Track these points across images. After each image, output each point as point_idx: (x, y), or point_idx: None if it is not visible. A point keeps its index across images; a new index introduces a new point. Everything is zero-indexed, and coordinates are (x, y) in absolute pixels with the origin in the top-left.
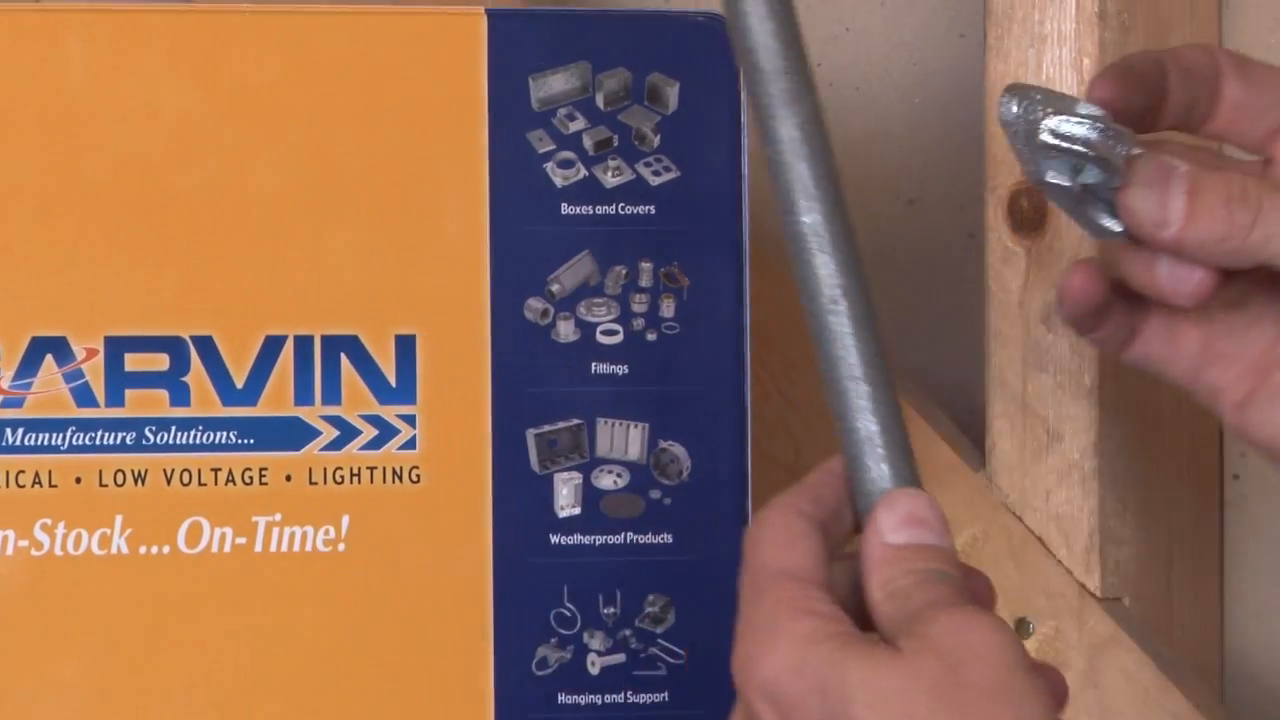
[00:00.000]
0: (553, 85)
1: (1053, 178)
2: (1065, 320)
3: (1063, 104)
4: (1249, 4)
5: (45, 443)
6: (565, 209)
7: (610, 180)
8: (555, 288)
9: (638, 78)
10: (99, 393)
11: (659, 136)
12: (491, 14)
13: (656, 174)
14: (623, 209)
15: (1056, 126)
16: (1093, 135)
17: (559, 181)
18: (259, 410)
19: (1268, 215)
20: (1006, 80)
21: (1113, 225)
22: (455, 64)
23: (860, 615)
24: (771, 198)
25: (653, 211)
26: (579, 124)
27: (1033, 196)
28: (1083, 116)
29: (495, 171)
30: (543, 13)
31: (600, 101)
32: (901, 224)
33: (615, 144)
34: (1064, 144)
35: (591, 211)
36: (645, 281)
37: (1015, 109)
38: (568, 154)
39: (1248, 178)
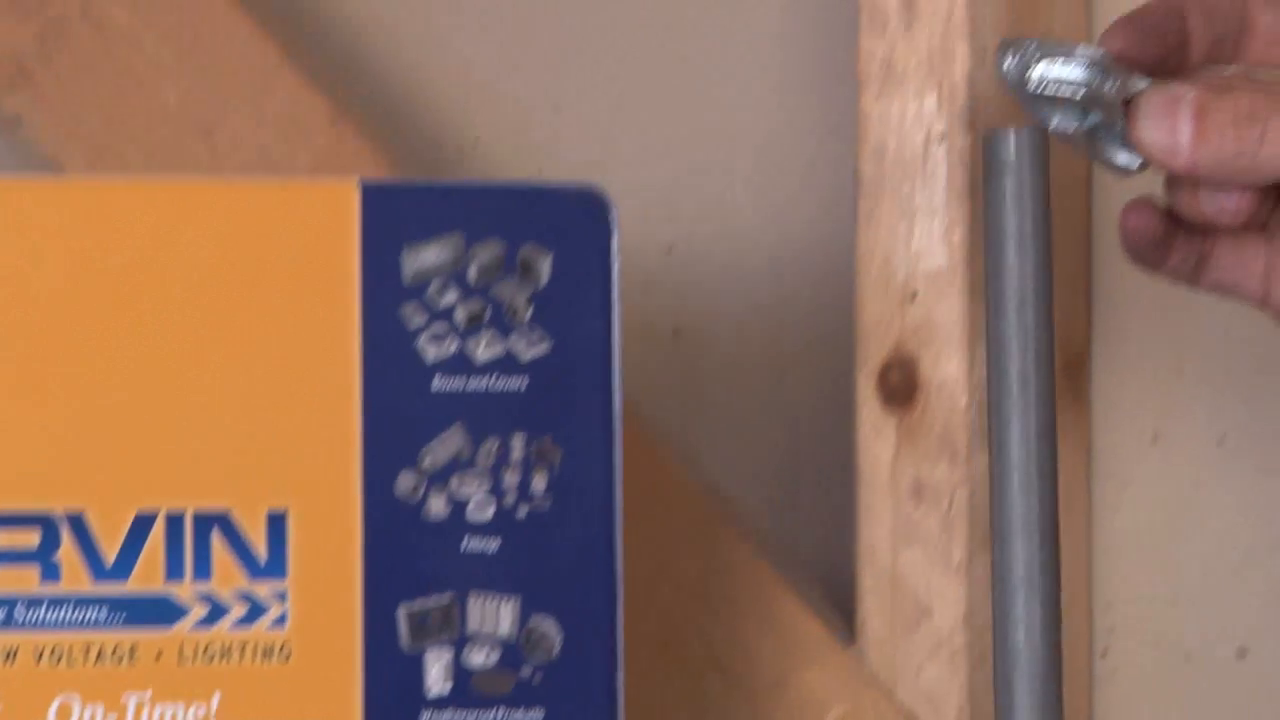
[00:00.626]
0: (426, 258)
1: (1058, 125)
2: (1130, 258)
3: (1058, 50)
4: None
5: None
6: (437, 383)
7: (482, 354)
8: (427, 462)
9: (511, 250)
10: None
11: (531, 309)
12: (365, 186)
13: (529, 347)
14: (495, 382)
15: (1044, 72)
16: (1080, 75)
17: (431, 355)
18: (129, 587)
19: (1275, 130)
20: (878, 252)
21: (1129, 161)
22: (328, 236)
23: None
24: (640, 372)
25: (525, 385)
26: (452, 296)
27: (903, 368)
28: (1077, 58)
29: (367, 344)
30: (416, 185)
31: (473, 274)
32: (774, 398)
33: (488, 317)
34: (1054, 90)
35: (464, 386)
36: (517, 455)
37: (1009, 60)
38: (440, 327)
39: (1257, 94)
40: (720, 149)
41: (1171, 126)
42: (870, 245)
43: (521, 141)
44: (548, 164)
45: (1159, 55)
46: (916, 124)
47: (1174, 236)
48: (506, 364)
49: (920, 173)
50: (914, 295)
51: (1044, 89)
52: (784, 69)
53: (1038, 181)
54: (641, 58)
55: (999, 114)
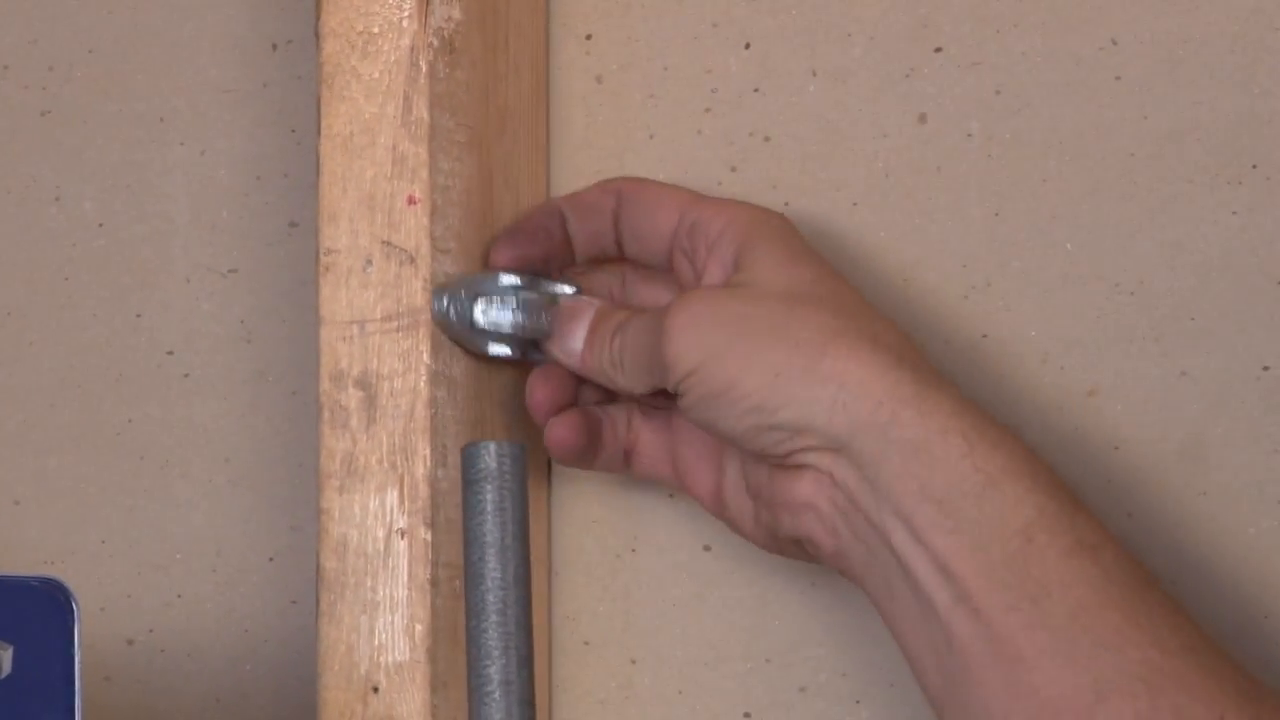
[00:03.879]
0: None
1: (496, 351)
2: (561, 462)
3: (484, 285)
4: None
5: None
6: None
7: None
8: None
9: None
10: None
11: None
12: None
13: None
14: None
15: (484, 314)
16: (518, 317)
17: None
18: None
19: (627, 344)
20: (340, 646)
21: (502, 350)
22: None
23: None
24: None
25: None
26: None
27: None
28: (505, 290)
29: None
30: None
31: None
32: None
33: None
34: (495, 327)
35: None
36: None
37: (444, 304)
38: None
39: (637, 312)
40: (179, 544)
41: (572, 332)
42: (332, 638)
43: None
44: (7, 557)
45: (543, 256)
46: (378, 519)
47: (597, 442)
48: None
49: (382, 567)
50: (376, 688)
51: (488, 328)
52: (245, 463)
53: (519, 492)
54: (104, 451)
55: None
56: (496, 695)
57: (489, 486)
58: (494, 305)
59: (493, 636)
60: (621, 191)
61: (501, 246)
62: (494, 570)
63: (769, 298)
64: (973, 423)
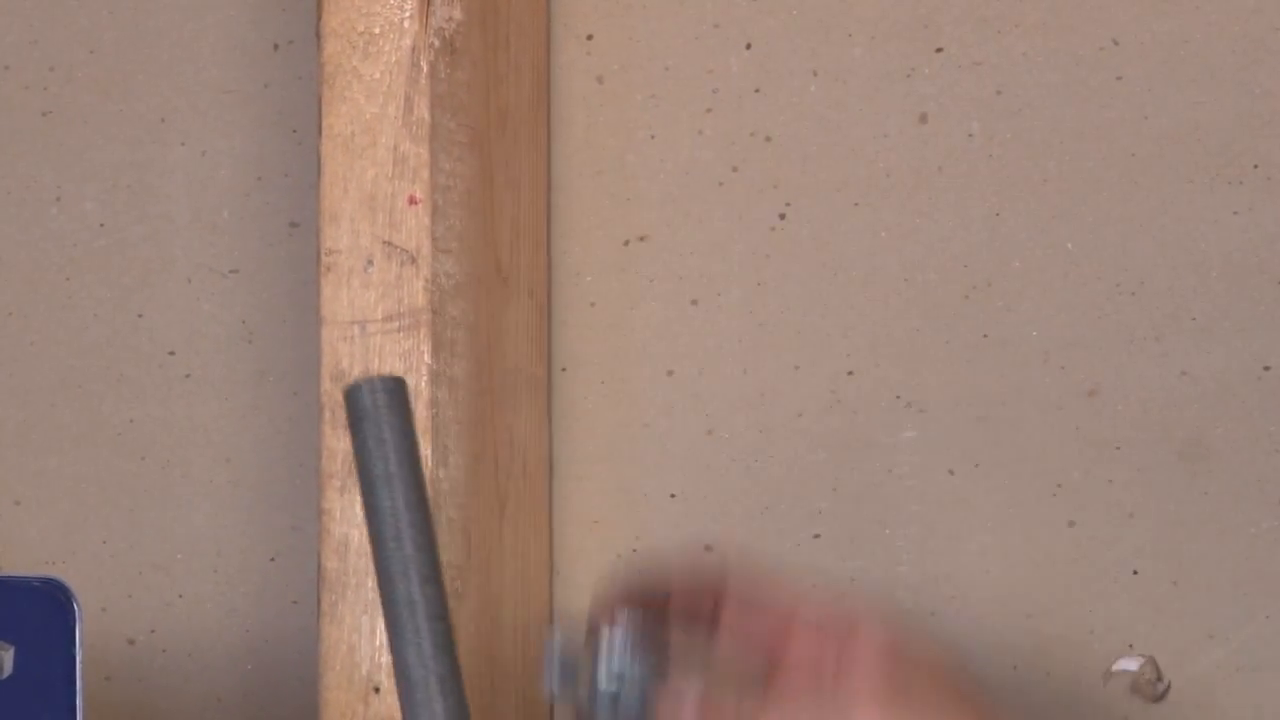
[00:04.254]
0: None
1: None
2: None
3: (598, 646)
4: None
5: None
6: None
7: None
8: None
9: None
10: None
11: None
12: None
13: None
14: None
15: (608, 669)
16: (638, 670)
17: None
18: None
19: None
20: (342, 646)
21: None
22: None
23: None
24: None
25: None
26: None
27: None
28: (620, 651)
29: None
30: None
31: None
32: None
33: None
34: (616, 685)
35: None
36: None
37: (557, 678)
38: None
39: (748, 702)
40: (181, 544)
41: (684, 693)
42: (334, 638)
43: None
44: (8, 557)
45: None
46: None
47: None
48: None
49: None
50: (377, 688)
51: (608, 688)
52: (246, 463)
53: (397, 423)
54: (105, 450)
55: (460, 509)
56: (404, 615)
57: (368, 424)
58: (613, 660)
59: (394, 562)
60: (728, 582)
61: (621, 605)
62: (384, 500)
63: (935, 704)
64: None
